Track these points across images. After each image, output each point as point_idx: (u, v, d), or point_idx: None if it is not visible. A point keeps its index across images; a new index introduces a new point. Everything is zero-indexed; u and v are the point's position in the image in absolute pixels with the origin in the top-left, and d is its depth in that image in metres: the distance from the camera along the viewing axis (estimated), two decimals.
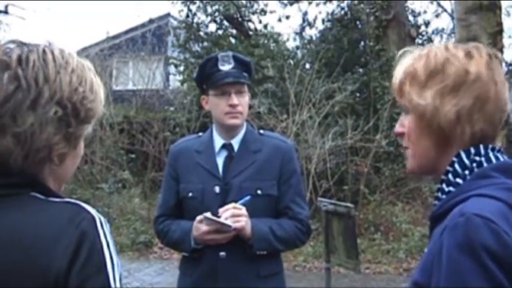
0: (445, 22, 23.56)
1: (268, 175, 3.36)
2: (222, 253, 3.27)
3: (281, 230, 3.32)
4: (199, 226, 3.22)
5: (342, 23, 16.70)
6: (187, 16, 17.06)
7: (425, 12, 23.60)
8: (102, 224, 1.54)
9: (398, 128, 1.83)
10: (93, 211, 1.55)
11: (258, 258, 3.29)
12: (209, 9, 16.84)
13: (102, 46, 19.47)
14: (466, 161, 1.69)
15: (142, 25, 21.34)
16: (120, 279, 1.54)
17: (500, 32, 4.92)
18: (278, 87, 13.73)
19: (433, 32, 18.31)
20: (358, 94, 14.93)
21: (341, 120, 13.04)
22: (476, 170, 1.67)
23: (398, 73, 1.79)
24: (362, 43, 16.47)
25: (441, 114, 1.68)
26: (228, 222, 3.14)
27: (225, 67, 3.34)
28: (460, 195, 1.61)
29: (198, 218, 3.20)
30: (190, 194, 3.38)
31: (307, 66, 15.59)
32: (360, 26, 16.40)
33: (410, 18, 17.45)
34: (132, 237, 12.14)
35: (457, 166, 1.70)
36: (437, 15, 19.18)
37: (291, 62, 15.59)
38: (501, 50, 4.94)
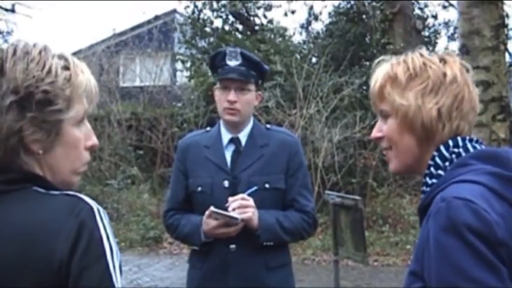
0: (452, 14, 23.43)
1: (276, 169, 3.41)
2: (232, 246, 3.33)
3: (288, 222, 3.38)
4: (209, 221, 3.27)
5: (347, 16, 16.71)
6: (193, 12, 17.09)
7: (434, 6, 23.53)
8: (100, 214, 1.60)
9: (375, 133, 1.95)
10: (91, 202, 1.61)
11: (266, 250, 3.34)
12: (215, 5, 16.88)
13: (108, 43, 19.52)
14: (446, 153, 1.81)
15: (149, 22, 21.38)
16: (120, 267, 1.59)
17: (502, 24, 4.97)
18: (286, 82, 13.74)
19: (439, 25, 18.25)
20: (365, 87, 14.93)
21: (349, 114, 13.05)
22: (455, 160, 1.78)
23: (377, 78, 1.92)
24: (368, 36, 16.47)
25: (423, 112, 1.82)
26: (235, 214, 3.20)
27: (232, 62, 3.39)
28: (442, 184, 1.72)
29: (207, 213, 3.25)
30: (199, 189, 3.43)
31: (314, 60, 15.61)
32: (365, 20, 16.41)
33: (417, 11, 17.43)
34: (142, 233, 12.21)
35: (437, 159, 1.82)
36: (444, 7, 19.12)
37: (298, 56, 15.59)
38: (503, 43, 4.99)
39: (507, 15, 16.45)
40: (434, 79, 1.83)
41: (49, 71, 1.64)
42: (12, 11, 16.49)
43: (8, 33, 16.45)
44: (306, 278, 9.46)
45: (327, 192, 7.20)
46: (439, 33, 18.25)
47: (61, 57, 1.69)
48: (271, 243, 3.34)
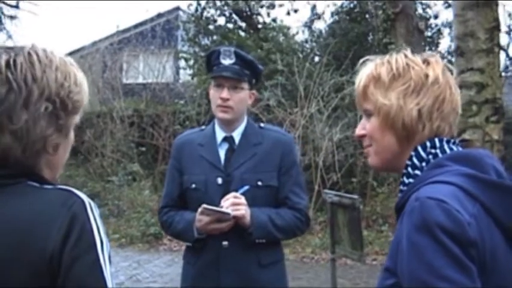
0: None
1: (269, 167, 3.46)
2: (225, 242, 3.38)
3: (280, 219, 3.42)
4: (201, 217, 3.32)
5: (350, 16, 16.74)
6: (197, 10, 17.10)
7: (435, 5, 23.47)
8: (91, 207, 1.67)
9: (359, 131, 1.99)
10: (83, 196, 1.69)
11: (259, 247, 3.39)
12: (218, 3, 16.89)
13: (112, 40, 19.58)
14: (423, 154, 1.86)
15: (152, 19, 21.42)
16: (109, 258, 1.67)
17: (497, 27, 5.02)
18: (288, 81, 13.77)
19: (442, 25, 18.23)
20: None
21: (350, 113, 13.08)
22: (432, 161, 1.83)
23: (361, 78, 1.96)
24: (371, 36, 16.49)
25: (405, 112, 1.85)
26: (226, 210, 3.26)
27: (226, 61, 3.44)
28: (417, 185, 1.77)
29: (199, 210, 3.30)
30: (193, 186, 3.48)
31: (316, 59, 15.64)
32: (368, 19, 16.43)
33: (420, 10, 17.43)
34: (142, 229, 12.27)
35: (414, 159, 1.87)
36: (448, 7, 19.05)
37: (300, 55, 15.63)
38: (498, 45, 5.04)
39: (509, 15, 16.47)
40: (416, 80, 1.86)
41: (75, 82, 1.76)
42: (17, 7, 16.54)
43: (12, 17, 16.43)
44: (305, 276, 9.52)
45: (325, 191, 7.25)
46: (441, 33, 18.23)
47: (72, 64, 1.80)
48: (264, 240, 3.39)
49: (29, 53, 1.71)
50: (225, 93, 3.43)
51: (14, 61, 1.69)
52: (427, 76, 1.86)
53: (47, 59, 1.72)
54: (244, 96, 3.50)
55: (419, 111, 1.84)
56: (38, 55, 1.72)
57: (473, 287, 1.59)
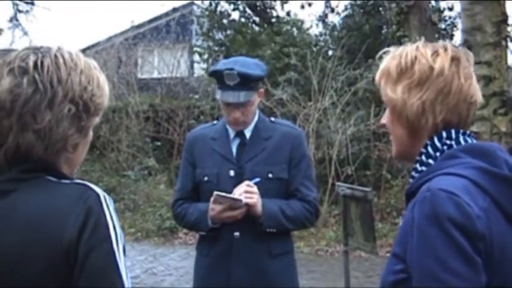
0: None
1: (279, 160, 3.55)
2: (236, 233, 3.47)
3: (290, 210, 3.51)
4: (214, 206, 3.41)
5: (364, 9, 16.71)
6: (211, 4, 17.13)
7: None
8: (106, 201, 1.74)
9: (382, 120, 2.04)
10: (98, 190, 1.76)
11: (269, 237, 3.48)
12: None
13: (126, 35, 19.66)
14: (438, 144, 1.88)
15: (166, 14, 21.50)
16: (124, 249, 1.73)
17: (504, 21, 5.05)
18: (301, 75, 13.78)
19: (455, 18, 18.13)
20: None
21: (363, 107, 13.08)
22: (446, 151, 1.86)
23: (379, 71, 2.00)
24: (384, 29, 16.45)
25: (408, 106, 1.89)
26: (238, 196, 3.35)
27: (231, 82, 3.44)
28: (430, 173, 1.81)
29: (212, 198, 3.39)
30: (206, 178, 3.58)
31: (330, 53, 15.63)
32: (382, 12, 16.39)
33: (433, 3, 17.33)
34: (158, 223, 12.34)
35: (429, 148, 1.90)
36: None
37: (314, 49, 15.61)
38: (505, 39, 5.07)
39: None
40: (420, 73, 1.87)
41: (98, 85, 1.83)
42: (32, 3, 16.64)
43: (27, 12, 16.49)
44: (319, 269, 9.55)
45: (338, 183, 7.29)
46: (455, 26, 18.13)
47: (96, 67, 1.87)
48: (274, 230, 3.47)
49: (55, 56, 1.78)
50: (237, 115, 3.50)
51: (42, 62, 1.75)
52: (432, 69, 1.87)
53: (72, 62, 1.79)
54: (254, 107, 3.58)
55: (422, 104, 1.86)
56: (64, 58, 1.79)
57: (476, 279, 1.64)
